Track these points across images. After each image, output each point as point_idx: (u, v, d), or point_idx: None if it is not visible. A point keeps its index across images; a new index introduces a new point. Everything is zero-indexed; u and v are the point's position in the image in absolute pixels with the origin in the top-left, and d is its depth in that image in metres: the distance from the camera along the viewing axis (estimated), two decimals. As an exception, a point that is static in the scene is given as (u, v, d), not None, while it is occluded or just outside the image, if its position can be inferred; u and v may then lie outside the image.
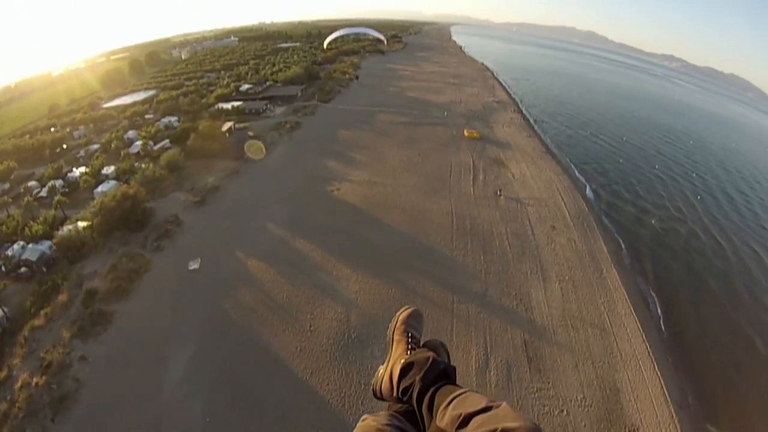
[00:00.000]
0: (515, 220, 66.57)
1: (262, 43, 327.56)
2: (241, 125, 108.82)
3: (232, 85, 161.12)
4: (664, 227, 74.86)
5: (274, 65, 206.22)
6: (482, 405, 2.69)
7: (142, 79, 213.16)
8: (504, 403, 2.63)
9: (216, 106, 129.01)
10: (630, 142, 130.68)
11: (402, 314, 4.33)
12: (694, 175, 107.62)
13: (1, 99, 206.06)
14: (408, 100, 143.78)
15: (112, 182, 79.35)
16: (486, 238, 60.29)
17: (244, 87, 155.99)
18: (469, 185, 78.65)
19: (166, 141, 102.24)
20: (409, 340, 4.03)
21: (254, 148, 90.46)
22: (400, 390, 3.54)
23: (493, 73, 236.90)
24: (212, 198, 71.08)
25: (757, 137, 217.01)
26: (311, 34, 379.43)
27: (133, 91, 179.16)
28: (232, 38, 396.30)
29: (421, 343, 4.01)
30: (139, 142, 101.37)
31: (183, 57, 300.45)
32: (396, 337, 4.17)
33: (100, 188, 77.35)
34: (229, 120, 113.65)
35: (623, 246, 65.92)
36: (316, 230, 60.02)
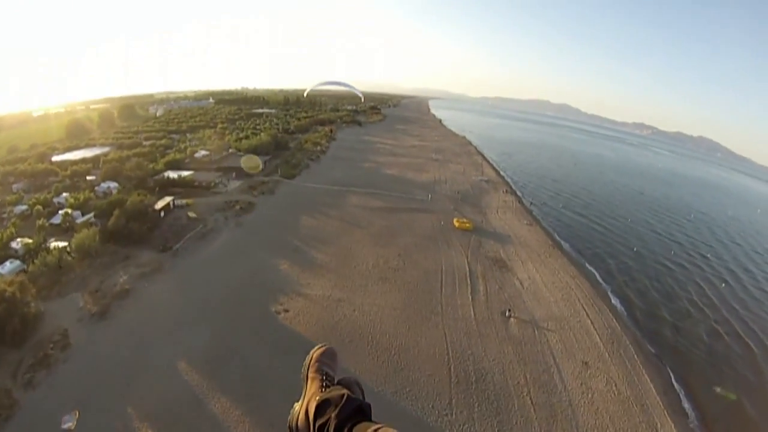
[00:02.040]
0: (535, 358, 49.66)
1: (237, 107, 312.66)
2: (183, 202, 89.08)
3: (189, 149, 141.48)
4: (707, 331, 65.40)
5: (242, 131, 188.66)
6: None
7: (107, 133, 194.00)
8: None
9: (163, 174, 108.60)
10: (636, 223, 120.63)
11: (316, 352, 4.23)
12: (709, 256, 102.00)
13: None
14: (386, 178, 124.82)
15: (15, 263, 60.74)
16: (499, 393, 43.26)
17: (200, 153, 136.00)
18: (467, 302, 59.23)
19: (91, 214, 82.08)
20: (324, 377, 3.96)
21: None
22: (316, 427, 3.41)
23: (476, 148, 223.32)
24: (118, 308, 51.72)
25: (745, 200, 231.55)
26: (289, 101, 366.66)
27: (89, 145, 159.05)
28: (210, 100, 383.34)
29: (336, 381, 3.95)
30: (62, 211, 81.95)
31: (157, 114, 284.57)
32: (310, 375, 4.05)
33: (-2, 270, 58.90)
34: (170, 194, 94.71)
35: (673, 378, 52.64)
36: (245, 381, 41.46)
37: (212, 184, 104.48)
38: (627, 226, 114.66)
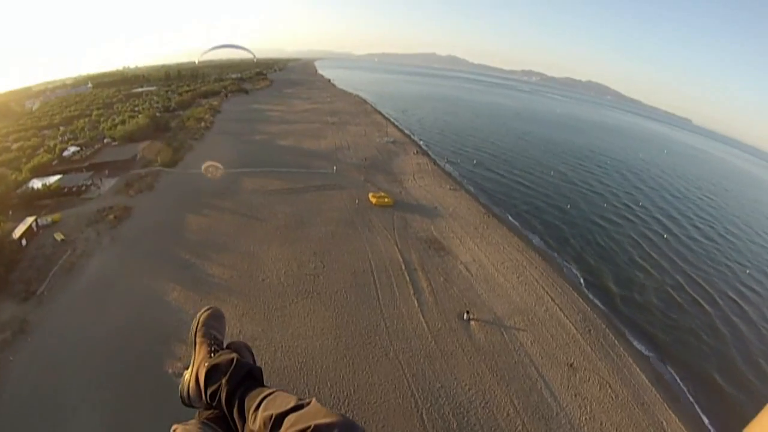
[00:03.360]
0: (515, 373, 40.63)
1: (116, 89, 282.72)
2: (48, 220, 71.00)
3: (58, 148, 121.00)
4: (663, 298, 61.67)
5: (119, 114, 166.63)
6: (292, 404, 2.67)
7: None
8: (313, 400, 2.63)
9: (29, 185, 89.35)
10: (557, 177, 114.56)
11: (202, 316, 4.02)
12: (636, 207, 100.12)
13: None
14: (281, 151, 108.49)
15: None
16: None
17: (70, 150, 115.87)
18: (413, 308, 47.35)
19: None
20: (212, 342, 3.78)
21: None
22: (208, 395, 3.34)
23: (373, 106, 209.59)
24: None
25: (649, 141, 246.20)
26: (170, 76, 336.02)
27: None
28: (89, 85, 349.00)
29: (225, 345, 3.81)
30: None
31: (33, 109, 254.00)
32: (198, 340, 3.84)
33: None
34: (38, 208, 77.24)
35: (655, 360, 48.60)
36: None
37: (83, 188, 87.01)
38: (548, 182, 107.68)
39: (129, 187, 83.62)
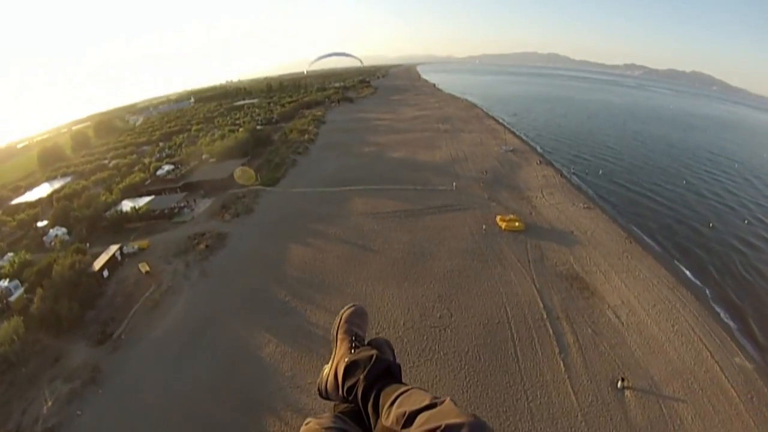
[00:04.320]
0: None
1: (218, 103, 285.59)
2: (134, 248, 66.60)
3: (152, 166, 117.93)
4: None
5: (219, 129, 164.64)
6: (426, 402, 2.60)
7: (76, 157, 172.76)
8: (448, 399, 2.56)
9: (119, 207, 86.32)
10: (684, 188, 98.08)
11: (345, 313, 4.06)
12: None
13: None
14: (393, 164, 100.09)
15: None
16: None
17: (164, 169, 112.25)
18: (559, 373, 37.88)
19: (21, 289, 59.90)
20: (353, 338, 3.80)
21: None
22: (345, 389, 3.35)
23: (484, 110, 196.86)
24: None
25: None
26: (272, 88, 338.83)
27: (51, 178, 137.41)
28: (191, 100, 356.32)
29: (366, 342, 3.83)
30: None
31: (136, 124, 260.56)
32: (340, 336, 3.89)
33: None
34: (127, 231, 74.81)
35: None
36: None
37: (175, 210, 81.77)
38: (675, 194, 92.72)
39: (225, 210, 78.61)
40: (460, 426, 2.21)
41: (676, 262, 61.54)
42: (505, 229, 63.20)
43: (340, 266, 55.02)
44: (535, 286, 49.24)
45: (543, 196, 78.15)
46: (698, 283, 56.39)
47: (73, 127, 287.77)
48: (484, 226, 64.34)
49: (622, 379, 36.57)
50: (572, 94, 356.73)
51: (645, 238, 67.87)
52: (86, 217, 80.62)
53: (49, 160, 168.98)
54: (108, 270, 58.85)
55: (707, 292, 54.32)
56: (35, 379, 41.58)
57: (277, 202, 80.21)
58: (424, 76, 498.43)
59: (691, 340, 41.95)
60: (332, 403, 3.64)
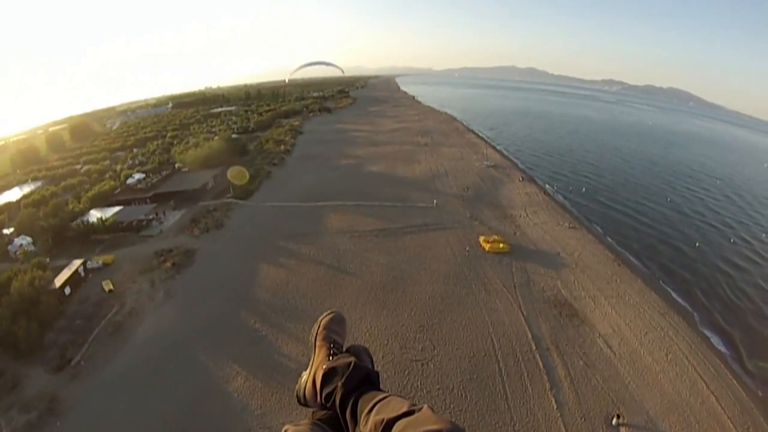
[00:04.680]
0: None
1: (195, 109, 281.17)
2: (99, 261, 62.43)
3: (123, 174, 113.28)
4: None
5: (194, 136, 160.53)
6: (404, 409, 2.59)
7: (49, 161, 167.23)
8: (425, 406, 2.53)
9: (86, 217, 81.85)
10: (666, 206, 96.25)
11: (324, 320, 4.05)
12: (761, 241, 79.46)
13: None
14: (371, 179, 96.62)
15: None
16: None
17: (134, 178, 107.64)
18: (551, 412, 34.98)
19: None
20: (331, 345, 3.81)
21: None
22: (324, 396, 3.34)
23: (463, 124, 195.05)
24: None
25: (747, 152, 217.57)
26: (250, 95, 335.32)
27: (22, 182, 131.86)
28: (169, 105, 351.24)
29: (344, 348, 3.82)
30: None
31: (113, 128, 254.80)
32: (318, 343, 3.90)
33: None
34: (94, 244, 70.90)
35: None
36: None
37: (144, 222, 77.71)
38: (657, 212, 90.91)
39: (194, 224, 74.79)
40: None
41: (663, 284, 59.18)
42: (489, 251, 59.94)
43: (314, 290, 51.28)
44: (523, 313, 46.10)
45: (527, 215, 75.32)
46: (687, 307, 54.16)
47: (50, 129, 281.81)
48: (467, 248, 61.03)
49: (618, 416, 34.05)
50: (551, 109, 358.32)
51: (632, 259, 65.44)
52: (52, 227, 76.66)
53: (22, 162, 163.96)
54: (70, 287, 54.83)
55: (696, 316, 52.23)
56: None
57: (250, 217, 76.37)
58: (404, 88, 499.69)
59: (685, 370, 39.66)
60: (311, 411, 3.53)
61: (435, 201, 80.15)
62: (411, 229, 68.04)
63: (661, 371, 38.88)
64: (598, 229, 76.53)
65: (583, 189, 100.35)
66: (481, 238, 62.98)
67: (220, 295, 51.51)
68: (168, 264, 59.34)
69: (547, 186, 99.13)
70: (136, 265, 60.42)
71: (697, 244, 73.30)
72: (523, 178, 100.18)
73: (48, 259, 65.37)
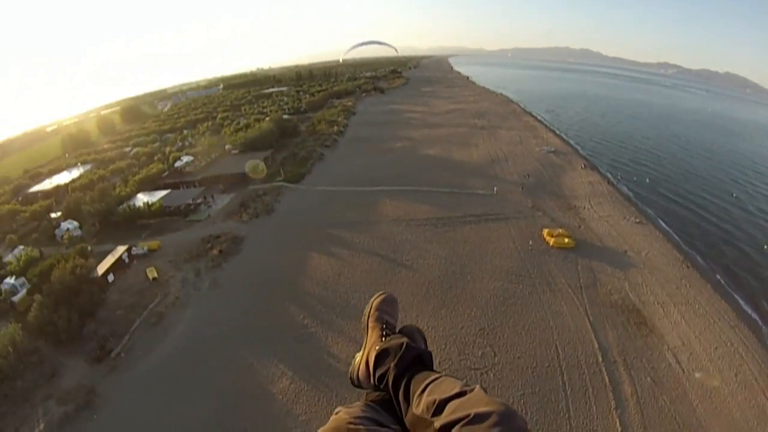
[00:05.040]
0: None
1: (246, 90, 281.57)
2: (144, 248, 61.44)
3: (172, 156, 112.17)
4: None
5: (245, 117, 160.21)
6: (456, 390, 2.56)
7: (100, 144, 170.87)
8: (477, 387, 2.53)
9: (133, 201, 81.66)
10: (731, 203, 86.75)
11: (375, 300, 4.07)
12: None
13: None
14: (427, 162, 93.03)
15: None
16: None
17: (183, 161, 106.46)
18: None
19: (24, 290, 55.60)
20: (384, 326, 3.80)
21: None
22: (377, 377, 3.34)
23: (520, 106, 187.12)
24: None
25: None
26: (301, 76, 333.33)
27: (71, 166, 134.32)
28: (220, 86, 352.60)
29: (397, 329, 3.84)
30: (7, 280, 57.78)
31: (164, 110, 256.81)
32: (370, 324, 3.89)
33: None
34: (140, 229, 70.22)
35: None
36: None
37: (191, 206, 76.16)
38: (722, 209, 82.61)
39: (243, 209, 72.99)
40: (489, 414, 2.17)
41: (731, 291, 53.05)
42: (553, 246, 55.79)
43: (367, 284, 48.51)
44: (589, 319, 42.20)
45: (591, 207, 70.35)
46: (757, 319, 48.26)
47: (102, 112, 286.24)
48: (530, 242, 56.92)
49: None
50: (607, 92, 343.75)
51: (700, 261, 59.58)
52: (98, 212, 76.31)
53: (72, 145, 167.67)
54: (113, 274, 53.75)
55: (765, 330, 46.24)
56: (30, 395, 37.68)
57: (300, 202, 74.26)
58: (457, 68, 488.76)
59: (755, 394, 34.87)
60: (364, 392, 3.49)
61: (495, 188, 75.97)
62: (470, 219, 64.25)
63: (729, 394, 34.55)
64: (664, 225, 70.67)
65: (647, 180, 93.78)
66: (545, 231, 58.84)
67: (268, 286, 49.57)
68: (215, 251, 57.95)
69: (609, 175, 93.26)
70: (182, 251, 59.26)
71: (765, 247, 66.34)
72: (585, 166, 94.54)
73: (92, 245, 65.35)
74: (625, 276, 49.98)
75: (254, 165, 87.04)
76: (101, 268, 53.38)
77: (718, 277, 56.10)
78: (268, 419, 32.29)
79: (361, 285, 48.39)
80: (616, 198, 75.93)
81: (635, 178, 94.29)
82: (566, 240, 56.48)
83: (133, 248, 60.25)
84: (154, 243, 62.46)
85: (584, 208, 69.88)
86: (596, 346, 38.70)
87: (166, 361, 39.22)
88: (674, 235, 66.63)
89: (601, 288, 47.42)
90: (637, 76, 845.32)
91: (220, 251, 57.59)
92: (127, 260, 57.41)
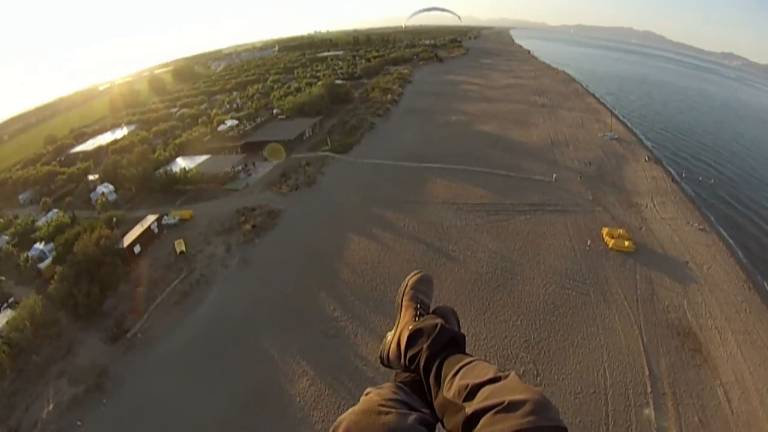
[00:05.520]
0: None
1: (301, 53, 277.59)
2: (175, 218, 60.06)
3: (217, 119, 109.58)
4: None
5: (298, 80, 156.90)
6: (490, 375, 2.45)
7: (147, 104, 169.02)
8: (512, 374, 2.42)
9: (170, 167, 79.30)
10: None
11: (411, 279, 3.91)
12: None
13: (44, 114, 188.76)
14: (483, 139, 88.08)
15: None
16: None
17: (227, 124, 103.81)
18: None
19: (50, 257, 55.18)
20: (418, 306, 3.62)
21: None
22: (408, 358, 3.21)
23: (583, 86, 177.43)
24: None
25: None
26: (359, 41, 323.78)
27: (114, 126, 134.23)
28: (275, 48, 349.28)
29: (431, 310, 3.61)
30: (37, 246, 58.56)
31: (217, 70, 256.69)
32: (405, 303, 3.74)
33: None
34: (169, 201, 67.90)
35: None
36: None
37: (230, 174, 73.40)
38: None
39: (284, 180, 69.76)
40: (523, 402, 2.06)
41: None
42: (612, 248, 51.01)
43: (407, 274, 44.22)
44: (642, 339, 37.91)
45: (654, 206, 64.50)
46: None
47: (155, 72, 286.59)
48: (588, 241, 52.09)
49: None
50: (669, 79, 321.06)
51: (762, 282, 52.50)
52: (134, 176, 74.58)
53: (122, 105, 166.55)
54: (141, 245, 52.31)
55: None
56: (44, 371, 36.73)
57: (346, 175, 71.08)
58: (518, 41, 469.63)
59: None
60: (393, 373, 3.38)
61: (554, 175, 70.70)
62: (525, 208, 59.73)
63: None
64: (726, 235, 63.55)
65: (711, 180, 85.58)
66: (605, 231, 53.94)
67: (300, 269, 46.80)
68: (248, 226, 55.52)
69: (672, 171, 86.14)
70: (215, 223, 57.31)
71: None
72: (648, 158, 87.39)
73: (126, 211, 64.52)
74: (685, 292, 45.14)
75: (273, 148, 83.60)
76: (128, 239, 51.78)
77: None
78: (283, 424, 29.97)
79: (400, 277, 44.00)
80: (680, 198, 69.59)
81: (700, 177, 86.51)
82: (627, 243, 51.52)
83: (164, 218, 58.67)
84: (186, 212, 60.68)
85: (647, 206, 64.09)
86: (647, 373, 34.72)
87: (184, 347, 37.32)
88: (737, 250, 60.14)
89: (658, 303, 42.88)
90: (701, 64, 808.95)
91: (254, 226, 55.06)
92: (156, 231, 55.75)
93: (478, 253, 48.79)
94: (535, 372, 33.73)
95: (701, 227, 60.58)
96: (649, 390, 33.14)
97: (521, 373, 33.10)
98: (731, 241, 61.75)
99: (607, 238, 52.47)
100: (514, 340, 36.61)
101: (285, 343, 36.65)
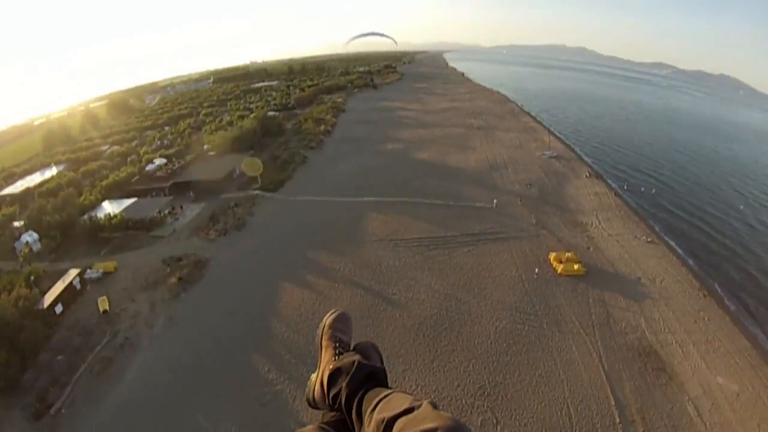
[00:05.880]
0: None
1: (235, 84, 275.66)
2: (98, 271, 55.34)
3: (145, 158, 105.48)
4: None
5: (231, 113, 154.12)
6: (405, 406, 2.51)
7: (77, 141, 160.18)
8: (425, 403, 2.47)
9: (95, 212, 74.51)
10: (738, 218, 78.73)
11: (328, 319, 3.96)
12: None
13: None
14: (420, 168, 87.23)
15: None
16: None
17: (154, 164, 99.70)
18: None
19: None
20: (337, 345, 3.71)
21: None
22: (331, 397, 3.29)
23: (518, 105, 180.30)
24: None
25: None
26: (293, 70, 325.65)
27: (44, 166, 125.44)
28: (210, 80, 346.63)
29: (351, 347, 3.74)
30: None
31: (152, 104, 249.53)
32: (324, 343, 3.81)
33: None
34: (95, 250, 63.31)
35: None
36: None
37: (158, 218, 69.99)
38: (735, 226, 75.38)
39: (212, 223, 66.79)
40: (434, 430, 2.12)
41: (749, 327, 46.48)
42: (561, 274, 49.69)
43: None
44: (603, 368, 36.47)
45: (600, 223, 64.24)
46: None
47: (91, 105, 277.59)
48: (536, 269, 50.60)
49: None
50: (601, 91, 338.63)
51: (717, 288, 53.33)
52: (58, 223, 69.66)
53: (55, 141, 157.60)
54: (63, 304, 47.77)
55: None
56: None
57: (277, 215, 68.69)
58: (452, 64, 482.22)
59: None
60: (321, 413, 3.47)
61: (495, 200, 69.81)
62: (467, 239, 58.14)
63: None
64: (674, 245, 64.06)
65: (652, 191, 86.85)
66: (552, 255, 52.75)
67: (230, 326, 43.62)
68: (173, 279, 51.92)
69: (614, 185, 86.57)
70: (140, 276, 53.49)
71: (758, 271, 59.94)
72: (589, 174, 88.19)
73: (49, 262, 60.31)
74: (641, 310, 44.35)
75: (251, 162, 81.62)
76: (49, 298, 47.21)
77: (734, 307, 50.29)
78: None
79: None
80: (625, 212, 69.86)
81: (642, 189, 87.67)
82: (576, 266, 50.45)
83: (87, 271, 54.34)
84: (110, 264, 56.51)
85: (592, 224, 63.84)
86: (612, 402, 33.25)
87: (108, 424, 33.17)
88: (687, 258, 60.27)
89: (615, 326, 41.74)
90: (633, 75, 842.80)
91: (180, 279, 51.64)
92: (78, 286, 51.21)
93: (420, 294, 46.56)
94: (494, 421, 31.46)
95: (649, 240, 60.70)
96: (617, 420, 31.73)
97: (479, 423, 31.33)
98: (680, 250, 62.18)
99: (555, 264, 51.31)
100: (467, 388, 34.23)
101: (216, 413, 33.02)
